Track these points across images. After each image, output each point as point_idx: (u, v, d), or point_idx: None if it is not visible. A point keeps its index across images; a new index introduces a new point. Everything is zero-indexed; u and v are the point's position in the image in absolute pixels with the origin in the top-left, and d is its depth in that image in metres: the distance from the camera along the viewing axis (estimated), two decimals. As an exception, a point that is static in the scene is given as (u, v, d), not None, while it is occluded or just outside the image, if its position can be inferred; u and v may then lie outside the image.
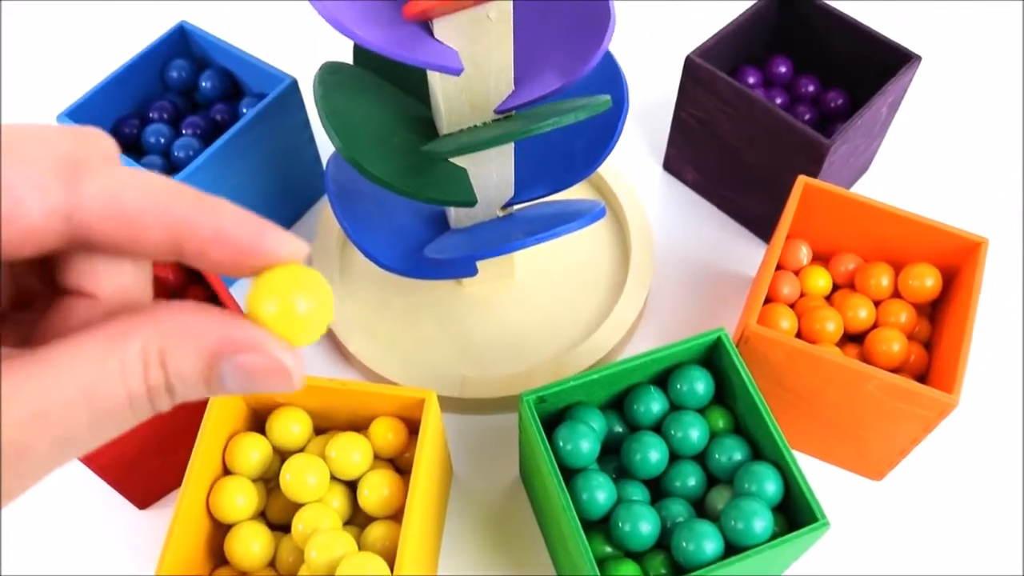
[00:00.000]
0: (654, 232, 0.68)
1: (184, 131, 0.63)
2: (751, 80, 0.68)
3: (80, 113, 0.60)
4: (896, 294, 0.57)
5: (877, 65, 0.64)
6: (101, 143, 0.23)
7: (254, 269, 0.23)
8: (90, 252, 0.23)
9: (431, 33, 0.44)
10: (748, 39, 0.67)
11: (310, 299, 0.24)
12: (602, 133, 0.54)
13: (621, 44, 0.79)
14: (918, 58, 0.62)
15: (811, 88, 0.68)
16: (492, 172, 0.52)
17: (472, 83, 0.47)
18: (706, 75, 0.61)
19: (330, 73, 0.50)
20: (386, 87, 0.54)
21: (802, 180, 0.55)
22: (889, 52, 0.63)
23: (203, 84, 0.65)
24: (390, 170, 0.47)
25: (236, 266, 0.23)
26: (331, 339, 0.63)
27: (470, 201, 0.51)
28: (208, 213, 0.23)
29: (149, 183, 0.22)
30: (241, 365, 0.22)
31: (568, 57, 0.46)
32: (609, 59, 0.54)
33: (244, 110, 0.64)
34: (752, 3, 0.65)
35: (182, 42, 0.66)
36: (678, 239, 0.68)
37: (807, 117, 0.67)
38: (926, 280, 0.55)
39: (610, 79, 0.53)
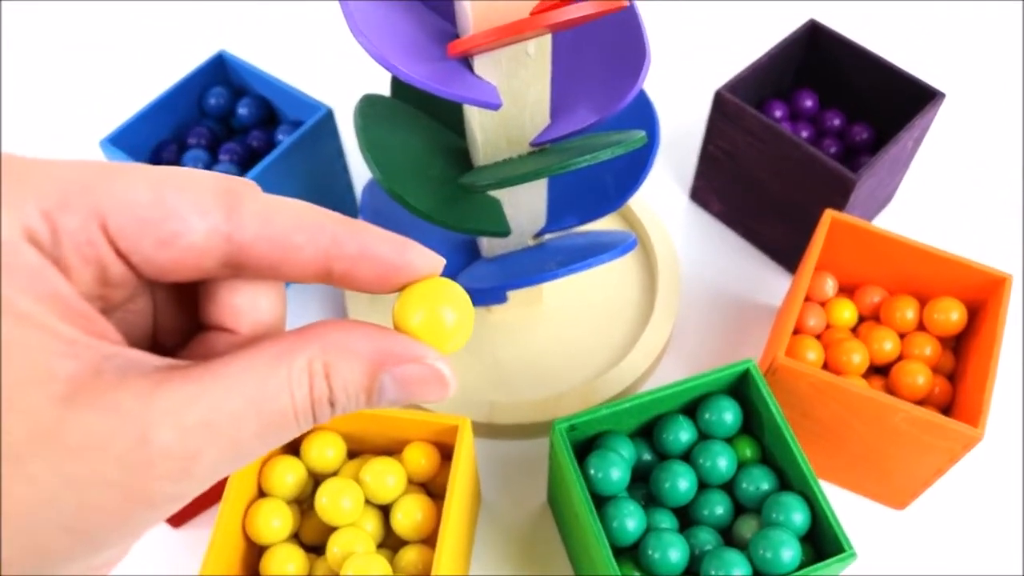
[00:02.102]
0: (680, 261, 0.69)
1: (221, 157, 0.64)
2: (778, 113, 0.69)
3: (122, 139, 0.62)
4: (921, 327, 0.58)
5: (901, 100, 0.65)
6: (249, 182, 0.24)
7: (396, 285, 0.25)
8: (233, 281, 0.25)
9: (471, 68, 0.45)
10: (775, 73, 0.68)
11: (454, 309, 0.25)
12: (633, 166, 0.55)
13: (649, 74, 0.80)
14: (942, 95, 0.62)
15: (837, 122, 0.69)
16: (525, 203, 0.53)
17: (509, 117, 0.48)
18: (734, 109, 0.62)
19: (369, 105, 0.51)
20: (422, 118, 0.55)
21: (829, 214, 0.56)
22: (913, 88, 0.64)
23: (240, 111, 0.66)
24: (428, 202, 0.48)
25: (380, 282, 0.25)
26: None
27: (504, 231, 0.52)
28: (354, 232, 0.24)
29: (300, 207, 0.24)
30: (401, 376, 0.24)
31: (603, 93, 0.48)
32: (641, 94, 0.55)
33: (280, 137, 0.65)
34: (780, 39, 0.66)
35: (221, 70, 0.67)
36: (704, 268, 0.69)
37: (833, 150, 0.68)
38: (951, 314, 0.56)
39: (642, 113, 0.55)
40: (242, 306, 0.25)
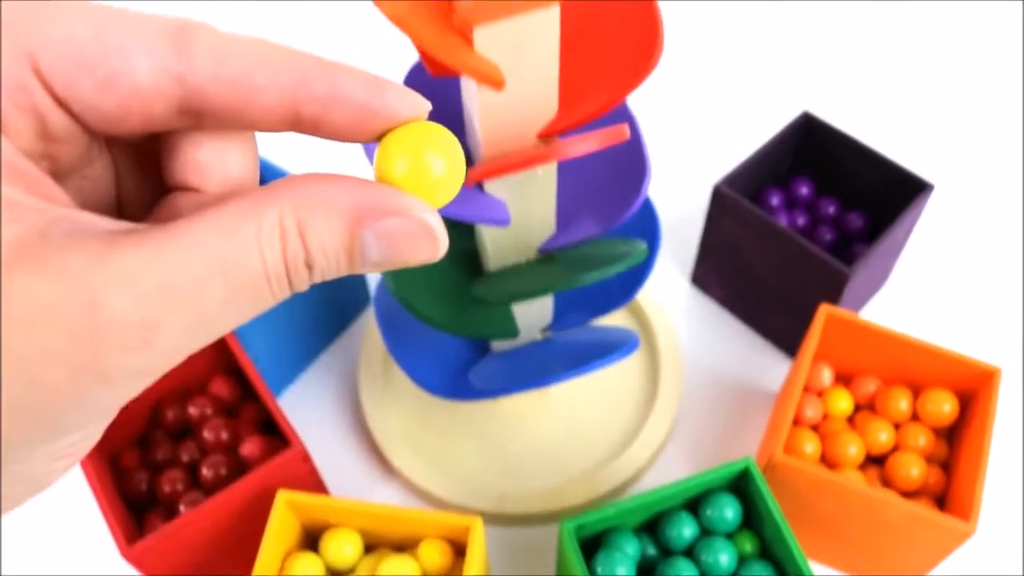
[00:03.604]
0: (682, 345, 0.71)
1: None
2: (775, 201, 0.71)
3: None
4: (915, 417, 0.60)
5: (893, 190, 0.68)
6: (200, 22, 0.22)
7: (374, 131, 0.22)
8: (196, 133, 0.23)
9: (480, 187, 0.48)
10: (772, 163, 0.71)
11: (442, 155, 0.22)
12: (636, 267, 0.57)
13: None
14: (931, 187, 0.65)
15: (832, 209, 0.72)
16: (533, 305, 0.56)
17: (518, 229, 0.50)
18: (732, 203, 0.64)
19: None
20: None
21: (824, 309, 0.58)
22: (904, 179, 0.66)
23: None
24: (440, 312, 0.51)
25: (356, 128, 0.22)
26: (374, 452, 0.66)
27: (513, 333, 0.54)
28: (324, 71, 0.22)
29: (260, 44, 0.22)
30: (385, 231, 0.21)
31: (607, 204, 0.50)
32: (645, 200, 0.58)
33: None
34: (776, 129, 0.69)
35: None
36: (705, 353, 0.71)
37: (828, 238, 0.70)
38: (943, 405, 0.58)
39: (645, 216, 0.57)
40: (207, 161, 0.23)
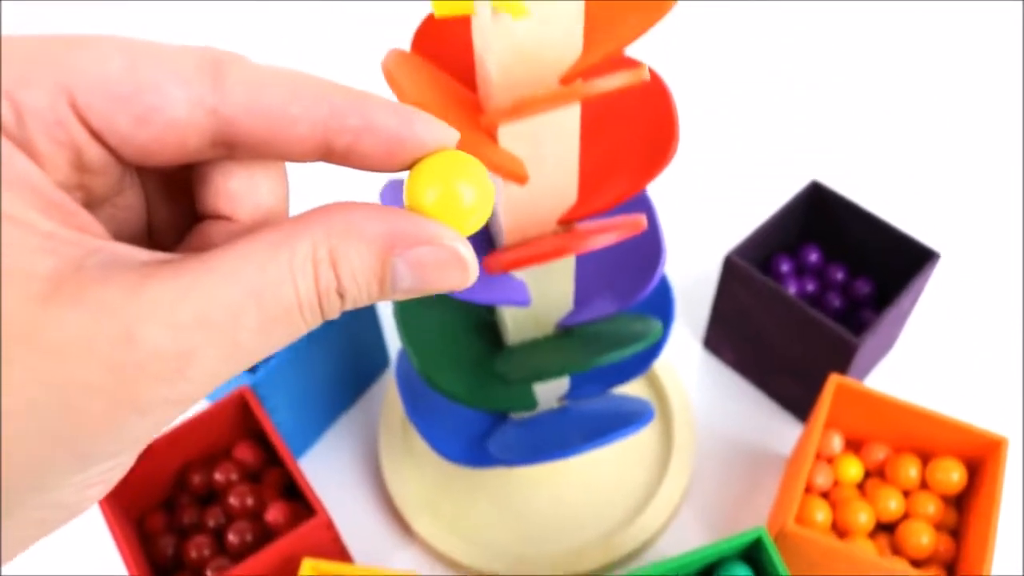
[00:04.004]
0: (695, 408, 0.73)
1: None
2: (784, 268, 0.73)
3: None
4: (924, 485, 0.61)
5: (900, 258, 0.69)
6: (238, 54, 0.22)
7: (404, 161, 0.23)
8: (229, 163, 0.23)
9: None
10: (782, 231, 0.73)
11: (472, 184, 0.22)
12: (650, 339, 0.59)
13: (662, 227, 0.84)
14: (937, 255, 0.67)
15: (840, 276, 0.73)
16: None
17: (537, 307, 0.52)
18: (743, 273, 0.66)
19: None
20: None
21: (834, 379, 0.60)
22: (910, 247, 0.68)
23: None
24: (460, 387, 0.52)
25: (387, 158, 0.22)
26: (393, 515, 0.67)
27: (532, 406, 0.56)
28: (356, 102, 0.22)
29: (293, 75, 0.22)
30: (417, 260, 0.21)
31: (623, 283, 0.52)
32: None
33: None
34: (786, 198, 0.71)
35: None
36: (717, 415, 0.72)
37: (837, 304, 0.72)
38: (952, 474, 0.60)
39: (660, 292, 0.59)
40: (239, 190, 0.23)
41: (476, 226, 0.23)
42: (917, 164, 0.89)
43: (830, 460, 0.63)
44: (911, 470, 0.61)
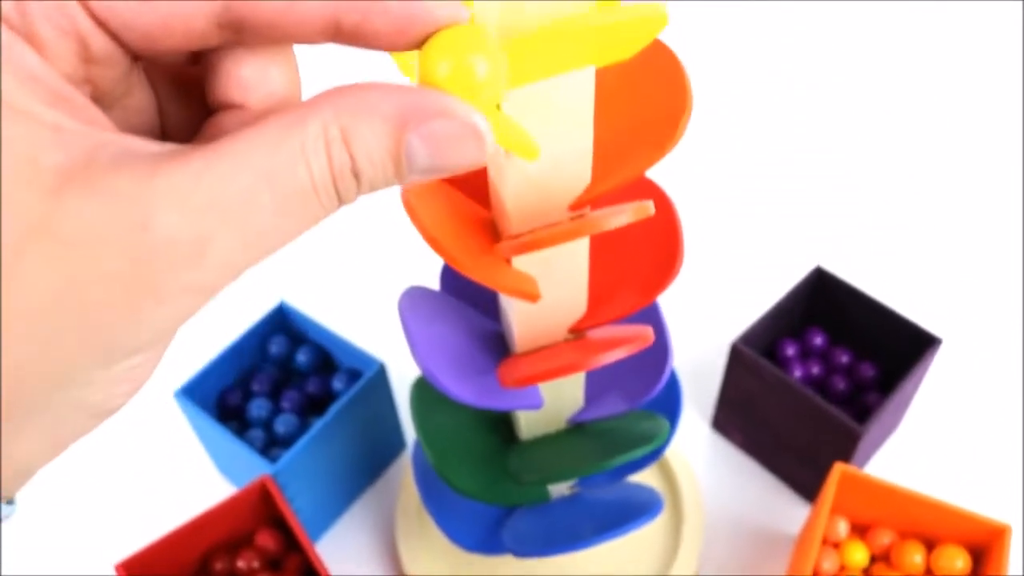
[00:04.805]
0: (703, 489, 0.74)
1: (283, 405, 0.71)
2: (790, 351, 0.75)
3: (194, 389, 0.68)
4: (929, 571, 0.62)
5: (903, 342, 0.71)
6: None
7: (416, 37, 0.22)
8: (237, 50, 0.23)
9: (515, 372, 0.52)
10: (787, 316, 0.75)
11: (485, 56, 0.22)
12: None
13: (668, 310, 0.87)
14: (939, 341, 0.68)
15: (845, 359, 0.75)
16: (562, 469, 0.59)
17: (549, 407, 0.54)
18: (750, 361, 0.68)
19: (420, 388, 0.58)
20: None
21: (839, 468, 0.62)
22: (913, 333, 0.70)
23: (299, 358, 0.73)
24: (475, 485, 0.54)
25: (397, 34, 0.22)
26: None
27: (544, 499, 0.57)
28: None
29: None
30: (431, 134, 0.21)
31: (633, 383, 0.54)
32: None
33: (336, 385, 0.71)
34: (791, 282, 0.73)
35: (281, 318, 0.74)
36: (725, 496, 0.74)
37: (841, 387, 0.74)
38: (956, 561, 0.61)
39: (668, 386, 0.61)
40: (250, 77, 0.23)
41: (491, 99, 0.23)
42: (920, 248, 0.91)
43: (836, 545, 0.64)
44: (916, 556, 0.62)
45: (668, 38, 1.17)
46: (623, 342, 0.46)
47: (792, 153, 1.02)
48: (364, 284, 0.90)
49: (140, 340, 0.20)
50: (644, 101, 0.42)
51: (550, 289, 0.46)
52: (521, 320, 0.47)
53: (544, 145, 0.39)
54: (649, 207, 0.39)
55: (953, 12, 1.17)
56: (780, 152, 1.02)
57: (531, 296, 0.44)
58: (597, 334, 0.49)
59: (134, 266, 0.18)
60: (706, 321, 0.86)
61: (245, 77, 0.23)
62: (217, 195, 0.19)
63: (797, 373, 0.74)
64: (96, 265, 0.18)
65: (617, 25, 0.33)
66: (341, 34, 0.22)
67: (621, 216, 0.38)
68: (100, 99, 0.22)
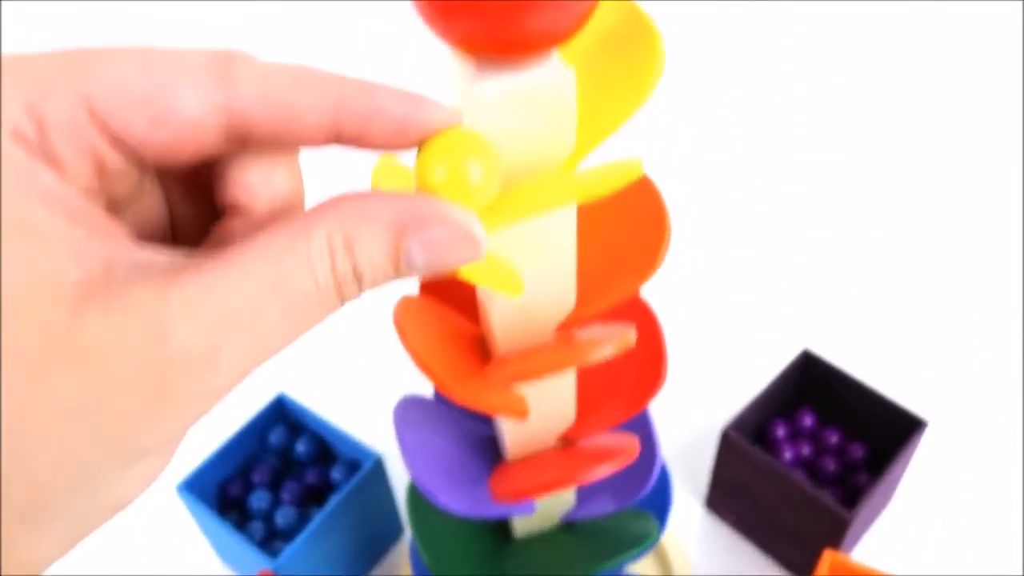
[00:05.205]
0: (696, 566, 0.75)
1: (283, 496, 0.72)
2: (780, 433, 0.76)
3: (195, 482, 0.69)
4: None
5: (889, 424, 0.72)
6: (240, 51, 0.23)
7: (412, 140, 0.24)
8: (244, 156, 0.24)
9: (508, 477, 0.53)
10: (776, 398, 0.76)
11: (479, 161, 0.23)
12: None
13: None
14: (924, 424, 0.70)
15: (834, 439, 0.76)
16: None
17: (542, 509, 0.55)
18: (740, 448, 0.69)
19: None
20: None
21: (828, 556, 0.63)
22: (899, 416, 0.71)
23: (298, 448, 0.75)
24: (473, 587, 0.55)
25: (395, 139, 0.23)
26: None
27: (539, 598, 0.59)
28: (362, 90, 0.23)
29: (299, 68, 0.23)
30: (429, 240, 0.22)
31: (622, 484, 0.55)
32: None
33: (335, 476, 0.73)
34: (779, 367, 0.75)
35: (280, 410, 0.76)
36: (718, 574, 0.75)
37: (831, 468, 0.75)
38: (945, 648, 0.62)
39: (658, 482, 0.62)
40: (255, 182, 0.24)
41: (484, 201, 0.24)
42: (908, 328, 0.93)
43: (829, 631, 0.65)
44: (907, 643, 0.63)
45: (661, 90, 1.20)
46: (610, 456, 0.47)
47: (776, 237, 1.04)
48: (362, 374, 0.92)
49: (156, 443, 0.20)
50: (624, 226, 0.44)
51: (539, 404, 0.47)
52: (512, 430, 0.49)
53: (528, 274, 0.41)
54: (631, 337, 0.41)
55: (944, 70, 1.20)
56: (764, 236, 1.04)
57: (520, 415, 0.45)
58: (586, 443, 0.50)
59: (152, 377, 0.19)
60: (698, 399, 0.87)
61: (251, 182, 0.24)
62: (228, 306, 0.20)
63: (787, 455, 0.75)
64: (116, 377, 0.19)
65: (596, 184, 0.34)
66: (342, 139, 0.23)
67: (607, 348, 0.40)
68: (114, 204, 0.23)
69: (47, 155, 0.20)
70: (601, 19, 0.39)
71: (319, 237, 0.21)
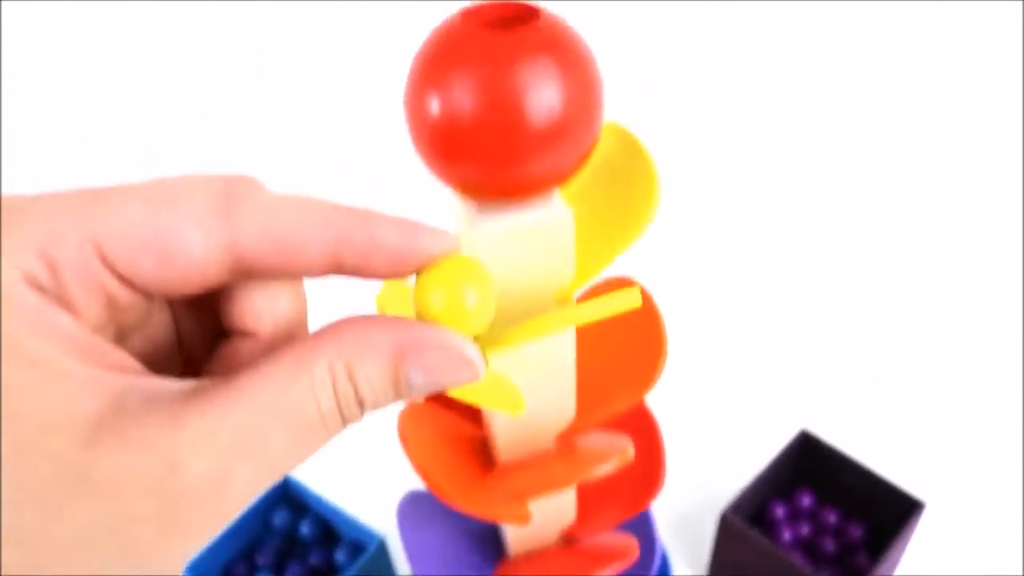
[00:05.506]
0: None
1: (286, 579, 0.73)
2: (779, 513, 0.77)
3: (200, 564, 0.70)
4: None
5: (887, 504, 0.73)
6: (249, 179, 0.24)
7: (411, 269, 0.24)
8: (249, 283, 0.25)
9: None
10: (775, 479, 0.77)
11: (474, 288, 0.24)
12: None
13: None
14: (922, 505, 0.70)
15: (833, 519, 0.77)
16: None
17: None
18: (739, 532, 0.70)
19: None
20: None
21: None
22: (897, 497, 0.72)
23: (302, 530, 0.75)
24: None
25: (394, 269, 0.24)
26: None
27: None
28: (361, 222, 0.24)
29: (301, 202, 0.23)
30: (428, 365, 0.23)
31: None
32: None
33: (339, 558, 0.73)
34: (777, 449, 0.75)
35: (284, 491, 0.76)
36: (721, 658, 0.75)
37: (830, 548, 0.75)
38: None
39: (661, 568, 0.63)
40: (260, 309, 0.25)
41: (481, 326, 0.25)
42: (905, 410, 0.94)
43: None
44: None
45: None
46: (611, 559, 0.48)
47: (774, 319, 1.05)
48: (365, 453, 0.93)
49: (167, 567, 0.21)
50: (623, 341, 0.45)
51: (540, 508, 0.48)
52: (514, 529, 0.50)
53: (530, 390, 0.42)
54: (630, 451, 0.42)
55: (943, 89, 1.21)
56: (761, 317, 1.05)
57: (523, 521, 0.46)
58: (588, 543, 0.51)
59: (164, 506, 0.20)
60: (699, 477, 0.88)
61: (256, 309, 0.25)
62: (237, 436, 0.21)
63: (787, 535, 0.76)
64: (129, 508, 0.20)
65: (596, 313, 0.36)
66: (342, 269, 0.24)
67: (607, 466, 0.41)
68: (123, 331, 0.24)
69: (59, 297, 0.21)
70: (599, 147, 0.40)
71: (321, 366, 0.22)
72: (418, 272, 0.25)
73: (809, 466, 0.78)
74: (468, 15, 0.32)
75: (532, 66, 0.29)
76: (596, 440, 0.45)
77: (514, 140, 0.30)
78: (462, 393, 0.34)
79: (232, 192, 0.23)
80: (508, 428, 0.44)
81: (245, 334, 0.25)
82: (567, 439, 0.45)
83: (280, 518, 0.76)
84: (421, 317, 0.24)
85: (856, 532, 0.76)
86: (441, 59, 0.30)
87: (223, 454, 0.20)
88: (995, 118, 1.28)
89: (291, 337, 0.25)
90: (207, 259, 0.23)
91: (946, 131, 1.27)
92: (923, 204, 1.16)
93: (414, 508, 0.54)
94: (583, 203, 0.39)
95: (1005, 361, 0.97)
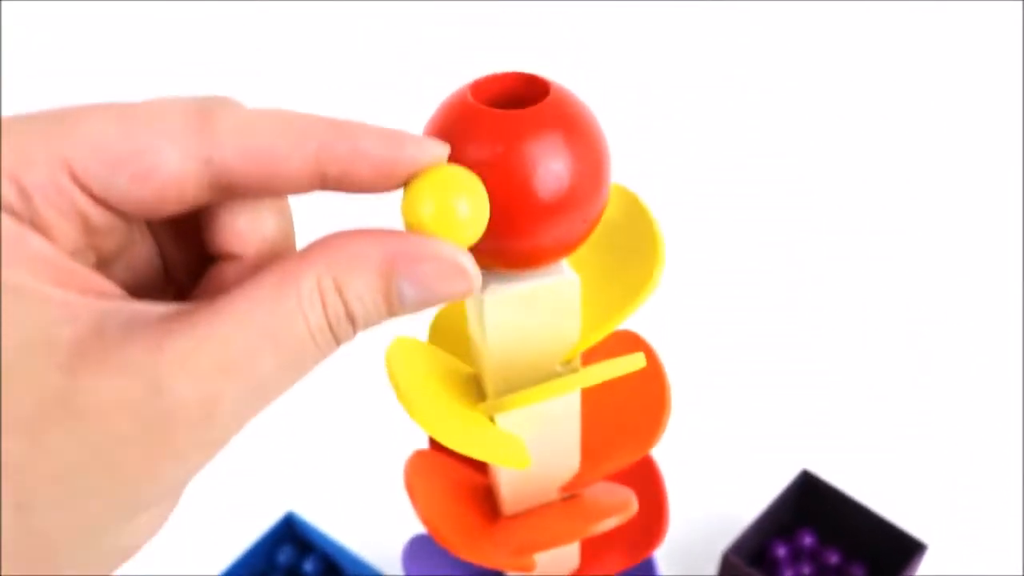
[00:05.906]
0: None
1: (291, 617, 0.73)
2: (781, 552, 0.77)
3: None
4: None
5: (889, 545, 0.74)
6: (225, 97, 0.23)
7: (399, 180, 0.24)
8: (231, 204, 0.24)
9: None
10: (776, 519, 0.77)
11: (467, 196, 0.23)
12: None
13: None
14: (924, 547, 0.71)
15: (834, 559, 0.77)
16: None
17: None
18: (741, 572, 0.70)
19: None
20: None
21: None
22: (899, 538, 0.73)
23: (307, 568, 0.76)
24: None
25: (380, 180, 0.23)
26: None
27: None
28: (343, 132, 0.23)
29: (280, 114, 0.23)
30: (419, 276, 0.22)
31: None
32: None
33: (342, 597, 0.74)
34: (779, 488, 0.76)
35: (288, 528, 0.77)
36: None
37: (832, 589, 0.76)
38: None
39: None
40: (243, 229, 0.24)
41: (474, 237, 0.24)
42: (906, 449, 0.94)
43: None
44: None
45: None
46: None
47: (773, 357, 1.05)
48: (371, 489, 0.93)
49: (158, 495, 0.21)
50: (628, 398, 0.46)
51: (544, 553, 0.49)
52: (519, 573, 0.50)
53: (535, 445, 0.43)
54: (633, 506, 0.42)
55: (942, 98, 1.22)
56: (761, 356, 1.06)
57: (527, 570, 0.47)
58: (590, 589, 0.52)
59: (150, 430, 0.19)
60: (699, 517, 0.88)
61: (240, 229, 0.24)
62: (222, 357, 0.20)
63: (788, 575, 0.76)
64: (114, 433, 0.19)
65: (601, 375, 0.36)
66: (327, 183, 0.23)
67: (611, 521, 0.42)
68: (104, 257, 0.24)
69: (33, 221, 0.21)
70: (606, 210, 0.41)
71: (309, 281, 0.21)
72: (406, 183, 0.24)
73: (811, 506, 0.79)
74: (478, 90, 0.33)
75: (542, 145, 0.30)
76: (600, 494, 0.45)
77: (523, 218, 0.30)
78: (468, 448, 0.35)
79: (207, 109, 0.22)
80: (513, 481, 0.45)
81: (231, 257, 0.24)
82: (571, 490, 0.46)
83: (285, 555, 0.76)
84: (411, 229, 0.23)
85: (858, 573, 0.76)
86: (451, 137, 0.31)
87: (209, 375, 0.20)
88: (995, 119, 1.28)
89: (278, 258, 0.24)
90: (184, 175, 0.22)
91: (947, 133, 1.28)
92: (925, 233, 1.17)
93: (419, 551, 0.55)
94: (588, 266, 0.40)
95: (1008, 403, 0.97)
